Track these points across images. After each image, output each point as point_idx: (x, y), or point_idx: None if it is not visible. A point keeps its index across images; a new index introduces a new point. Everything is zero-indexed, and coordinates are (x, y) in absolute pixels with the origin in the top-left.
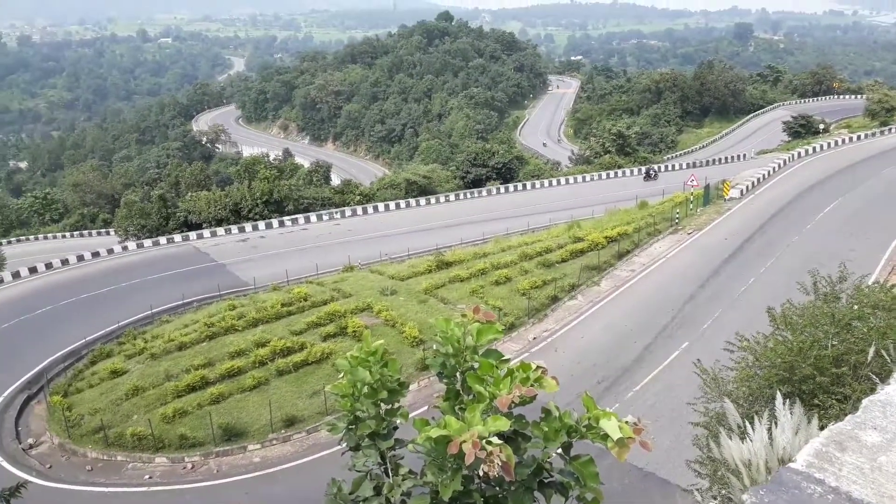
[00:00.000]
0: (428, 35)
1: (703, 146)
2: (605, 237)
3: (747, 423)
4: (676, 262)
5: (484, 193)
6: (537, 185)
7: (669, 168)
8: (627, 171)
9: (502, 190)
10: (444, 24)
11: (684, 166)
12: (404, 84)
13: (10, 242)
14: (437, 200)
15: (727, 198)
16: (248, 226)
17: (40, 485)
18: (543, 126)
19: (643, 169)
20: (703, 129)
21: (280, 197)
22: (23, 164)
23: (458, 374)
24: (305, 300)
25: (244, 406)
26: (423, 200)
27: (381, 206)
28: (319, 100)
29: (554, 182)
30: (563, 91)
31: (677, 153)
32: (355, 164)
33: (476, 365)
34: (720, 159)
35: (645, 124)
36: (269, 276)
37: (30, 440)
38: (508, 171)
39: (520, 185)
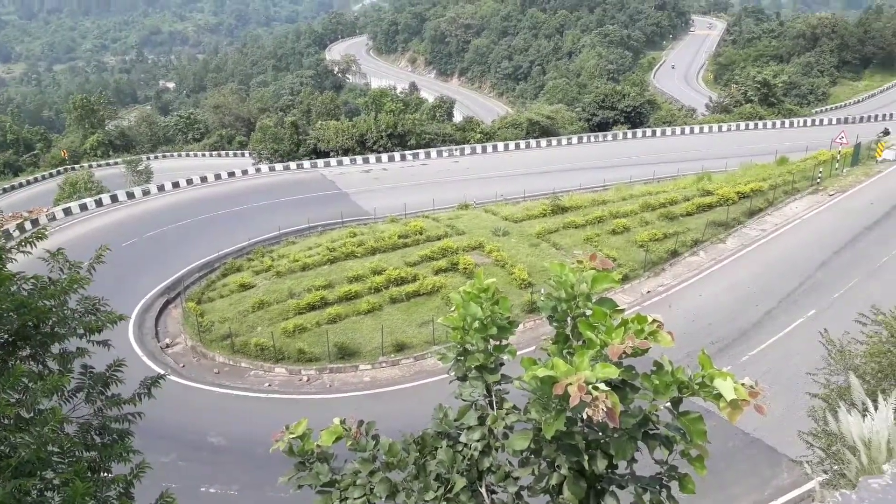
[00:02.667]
0: None
1: (859, 101)
2: (737, 192)
3: (872, 401)
4: (813, 225)
5: (609, 138)
6: (668, 133)
7: (816, 122)
8: (769, 123)
9: (629, 135)
10: None
11: (834, 121)
12: (536, 19)
13: (157, 157)
14: (560, 143)
15: (880, 159)
16: (371, 157)
17: (175, 381)
18: (681, 70)
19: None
20: (862, 82)
21: (404, 131)
22: (171, 85)
23: (568, 319)
24: (421, 234)
25: (358, 328)
26: (544, 142)
27: (500, 145)
28: (449, 33)
29: (687, 130)
30: (707, 33)
31: (828, 107)
32: (478, 100)
33: (589, 312)
34: (877, 116)
35: (795, 73)
36: (389, 207)
37: (167, 340)
38: (638, 115)
39: (649, 132)
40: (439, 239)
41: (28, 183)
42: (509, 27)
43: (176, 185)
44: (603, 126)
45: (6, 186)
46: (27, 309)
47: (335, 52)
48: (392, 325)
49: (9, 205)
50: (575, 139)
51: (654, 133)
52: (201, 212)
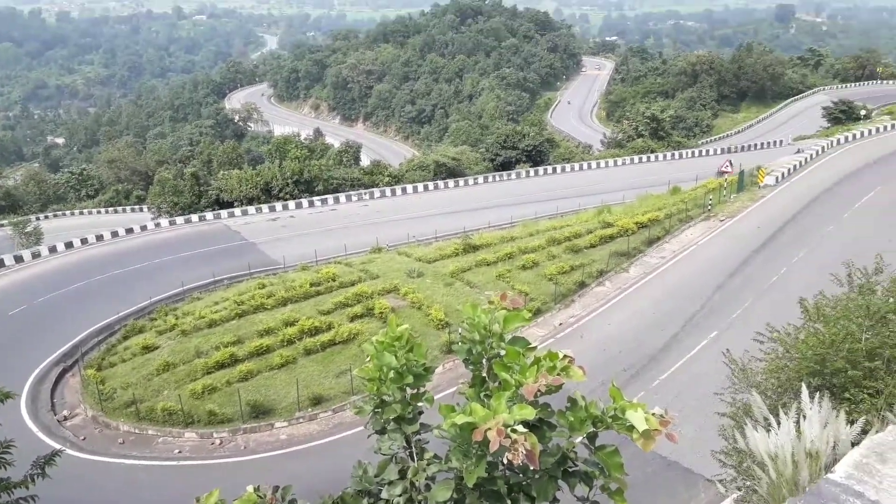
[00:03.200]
0: (461, 14)
1: (739, 131)
2: (636, 223)
3: (774, 416)
4: (707, 250)
5: (513, 176)
6: (568, 169)
7: (703, 153)
8: (660, 156)
9: (532, 173)
10: (478, 2)
11: (719, 151)
12: (436, 64)
13: (47, 217)
14: (466, 183)
15: (762, 185)
16: (278, 205)
17: (74, 456)
18: (576, 108)
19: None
20: (740, 114)
21: (310, 177)
22: (60, 140)
23: (484, 360)
24: (334, 280)
25: (272, 384)
26: (451, 182)
27: (409, 187)
28: (351, 79)
29: (585, 166)
30: (597, 73)
31: (712, 138)
32: (385, 144)
33: (503, 352)
34: (756, 145)
35: (680, 108)
36: (299, 255)
37: (64, 412)
38: (539, 153)
39: (550, 169)
40: (353, 284)
41: None
42: (410, 72)
43: (69, 245)
44: (506, 165)
45: None
46: None
47: (235, 101)
48: (307, 378)
49: None
50: (481, 179)
51: (554, 170)
52: (98, 272)
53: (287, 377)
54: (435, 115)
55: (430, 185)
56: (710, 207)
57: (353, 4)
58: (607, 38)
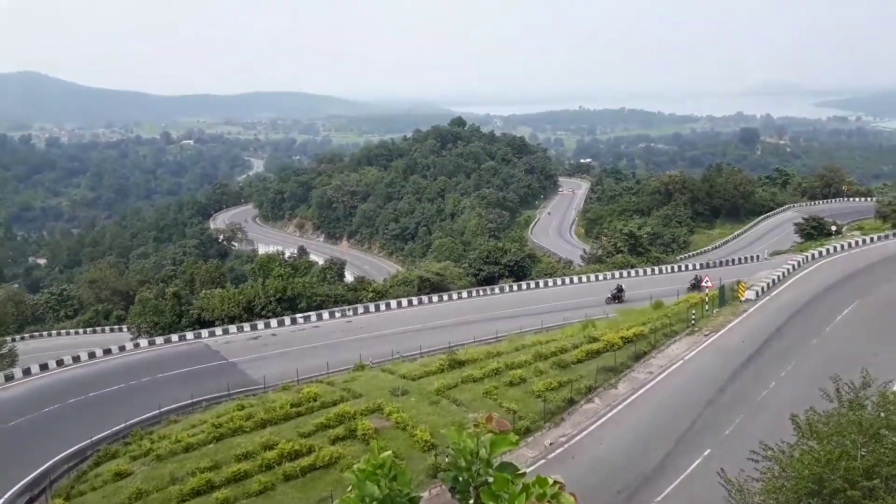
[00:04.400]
0: (441, 139)
1: (716, 247)
2: (622, 337)
3: None
4: (694, 365)
5: (497, 291)
6: (550, 283)
7: (682, 269)
8: (640, 271)
9: (515, 287)
10: (458, 128)
11: (698, 266)
12: (418, 185)
13: (23, 338)
14: (450, 297)
15: (743, 299)
16: (260, 323)
17: None
18: (554, 225)
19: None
20: (715, 230)
21: (293, 294)
22: (42, 261)
23: (471, 489)
24: (315, 400)
25: None
26: (435, 297)
27: (393, 302)
28: (335, 199)
29: (567, 280)
30: (574, 192)
31: (690, 253)
32: (369, 261)
33: (490, 479)
34: (733, 260)
35: (656, 225)
36: (280, 374)
37: None
38: (521, 268)
39: (533, 283)
40: (335, 404)
41: None
42: (394, 192)
43: (44, 367)
44: (490, 280)
45: None
46: None
47: (220, 221)
48: None
49: None
50: (465, 293)
51: (537, 284)
52: (73, 395)
53: None
54: (418, 232)
55: (415, 300)
56: (693, 322)
57: (339, 131)
58: (582, 160)
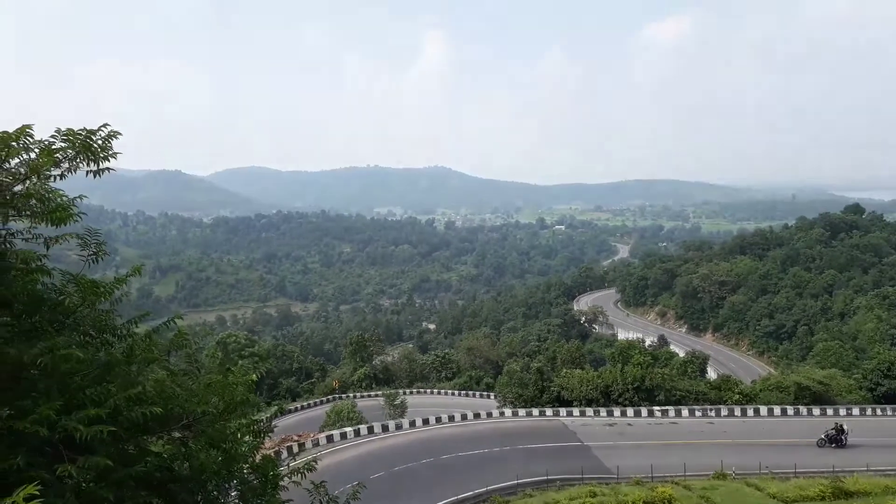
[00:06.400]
0: (832, 228)
1: None
2: None
3: None
4: None
5: None
6: None
7: None
8: None
9: None
10: (853, 216)
11: None
12: (800, 278)
13: (411, 392)
14: (836, 412)
15: None
16: (616, 410)
17: None
18: None
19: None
20: None
21: (652, 385)
22: (432, 326)
23: None
24: (669, 503)
25: None
26: (817, 410)
27: (763, 409)
28: (701, 289)
29: None
30: None
31: None
32: (735, 358)
33: None
34: None
35: None
36: (633, 467)
37: None
38: None
39: None
40: None
41: (302, 408)
42: (769, 285)
43: (426, 421)
44: (890, 398)
45: (285, 409)
46: None
47: (583, 303)
48: None
49: (284, 427)
50: (856, 409)
51: None
52: (444, 451)
53: None
54: (797, 331)
55: (790, 409)
56: None
57: (709, 217)
58: None
